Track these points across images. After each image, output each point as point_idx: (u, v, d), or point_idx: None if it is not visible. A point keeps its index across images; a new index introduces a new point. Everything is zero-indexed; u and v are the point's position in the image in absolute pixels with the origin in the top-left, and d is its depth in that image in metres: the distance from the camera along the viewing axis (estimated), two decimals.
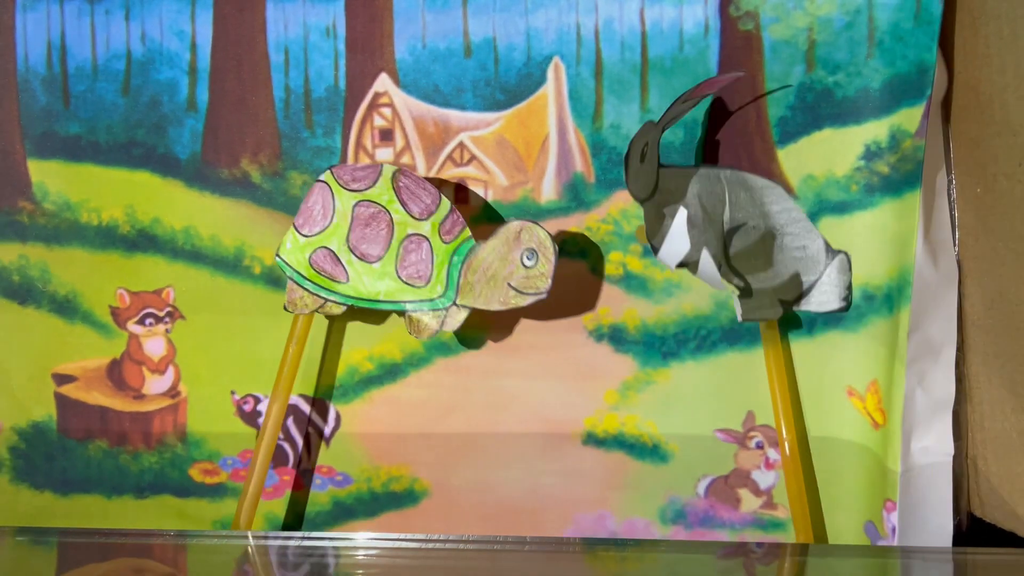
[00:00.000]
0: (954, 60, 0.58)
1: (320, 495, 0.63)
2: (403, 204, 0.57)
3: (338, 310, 0.58)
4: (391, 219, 0.57)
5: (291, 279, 0.58)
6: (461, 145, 0.60)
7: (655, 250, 0.57)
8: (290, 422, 0.63)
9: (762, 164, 0.59)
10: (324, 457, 0.63)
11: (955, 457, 0.58)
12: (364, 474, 0.63)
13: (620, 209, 0.60)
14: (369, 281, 0.57)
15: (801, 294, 0.58)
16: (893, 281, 0.57)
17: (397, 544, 0.54)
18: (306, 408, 0.63)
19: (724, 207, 0.57)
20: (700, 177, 0.57)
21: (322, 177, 0.57)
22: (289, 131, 0.61)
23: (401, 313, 0.58)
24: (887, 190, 0.57)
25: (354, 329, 0.62)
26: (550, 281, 0.56)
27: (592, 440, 0.62)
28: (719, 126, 0.59)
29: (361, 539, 0.54)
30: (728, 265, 0.57)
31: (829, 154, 0.58)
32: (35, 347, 0.63)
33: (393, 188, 0.57)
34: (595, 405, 0.62)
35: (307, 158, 0.61)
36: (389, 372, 0.62)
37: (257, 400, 0.63)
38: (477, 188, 0.61)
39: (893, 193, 0.57)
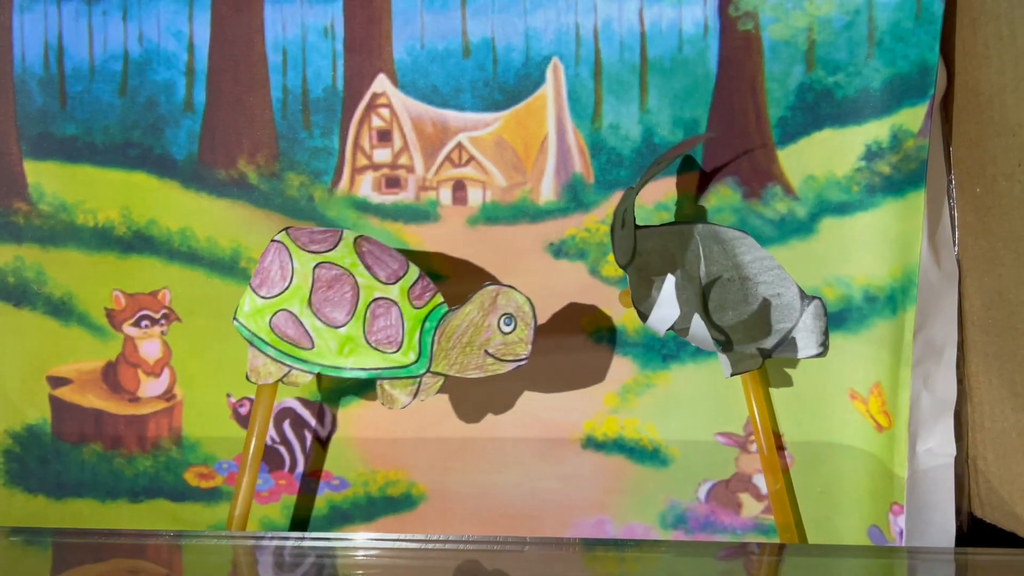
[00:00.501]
0: (954, 60, 0.58)
1: (317, 500, 0.63)
2: (368, 268, 0.55)
3: (304, 379, 0.56)
4: (355, 282, 0.55)
5: (251, 344, 0.56)
6: (459, 146, 0.60)
7: (643, 317, 0.57)
8: (286, 426, 0.62)
9: (762, 165, 0.59)
10: (320, 462, 0.63)
11: (955, 457, 0.57)
12: (361, 478, 0.63)
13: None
14: (336, 347, 0.55)
15: (779, 341, 0.57)
16: (896, 282, 0.57)
17: (396, 544, 0.53)
18: (303, 412, 0.62)
19: (700, 262, 0.57)
20: (676, 235, 0.57)
21: (277, 237, 0.55)
22: (286, 132, 0.61)
23: (371, 382, 0.56)
24: (889, 190, 0.57)
25: None
26: (530, 347, 0.55)
27: (591, 444, 0.62)
28: (719, 127, 0.59)
29: (360, 539, 0.54)
30: (708, 320, 0.57)
31: (829, 154, 0.58)
32: (30, 349, 0.63)
33: (356, 252, 0.55)
34: (594, 408, 0.62)
35: (304, 159, 0.61)
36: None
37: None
38: (475, 189, 0.60)
39: (895, 193, 0.57)
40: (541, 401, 0.62)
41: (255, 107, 0.61)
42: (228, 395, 0.62)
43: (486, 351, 0.55)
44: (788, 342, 0.57)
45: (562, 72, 0.59)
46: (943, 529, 0.57)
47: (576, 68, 0.59)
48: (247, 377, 0.56)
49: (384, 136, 0.61)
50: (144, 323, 0.62)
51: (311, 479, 0.63)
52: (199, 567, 0.53)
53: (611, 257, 0.60)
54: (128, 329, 0.62)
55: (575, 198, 0.60)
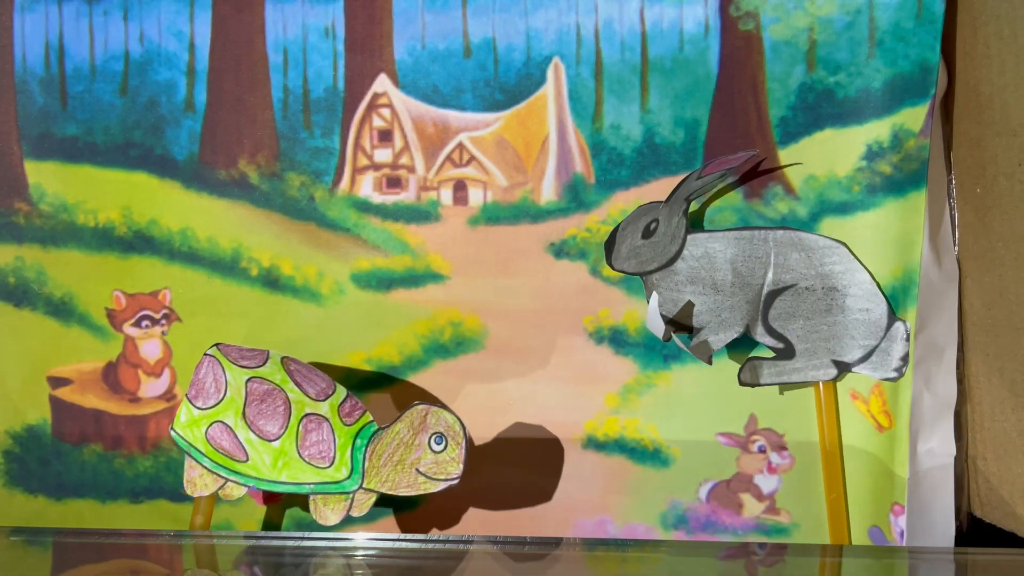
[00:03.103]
0: (954, 60, 0.58)
1: None
2: (298, 385, 0.55)
3: (239, 492, 0.56)
4: (287, 397, 0.55)
5: (188, 455, 0.56)
6: (460, 146, 0.60)
7: (676, 327, 0.58)
8: None
9: (763, 164, 0.59)
10: None
11: (955, 457, 0.57)
12: None
13: (620, 210, 0.60)
14: (270, 460, 0.55)
15: (862, 357, 0.58)
16: (897, 282, 0.57)
17: (397, 544, 0.53)
18: None
19: (766, 270, 0.57)
20: (740, 240, 0.57)
21: (209, 351, 0.56)
22: (287, 132, 0.61)
23: (304, 497, 0.56)
24: (890, 190, 0.57)
25: (352, 331, 0.62)
26: (461, 466, 0.54)
27: (592, 444, 0.62)
28: (721, 127, 0.59)
29: (360, 539, 0.54)
30: (766, 326, 0.57)
31: (831, 154, 0.58)
32: (30, 349, 0.63)
33: (285, 370, 0.56)
34: (595, 408, 0.61)
35: (305, 159, 0.61)
36: (387, 375, 0.62)
37: None
38: (476, 189, 0.60)
39: (896, 193, 0.57)
40: (542, 401, 0.62)
41: (256, 107, 0.61)
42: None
43: (417, 469, 0.54)
44: (867, 360, 0.58)
45: (563, 72, 0.59)
46: (943, 529, 0.57)
47: (577, 68, 0.59)
48: (183, 489, 0.56)
49: (385, 136, 0.61)
50: (145, 323, 0.62)
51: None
52: (200, 567, 0.53)
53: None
54: (129, 329, 0.62)
55: (576, 198, 0.60)
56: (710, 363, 0.58)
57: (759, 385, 0.59)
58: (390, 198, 0.61)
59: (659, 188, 0.59)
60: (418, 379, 0.62)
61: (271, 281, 0.61)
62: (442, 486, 0.54)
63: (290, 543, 0.54)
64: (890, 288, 0.57)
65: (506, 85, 0.60)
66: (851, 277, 0.57)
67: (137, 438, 0.63)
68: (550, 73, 0.60)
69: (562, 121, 0.60)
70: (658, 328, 0.57)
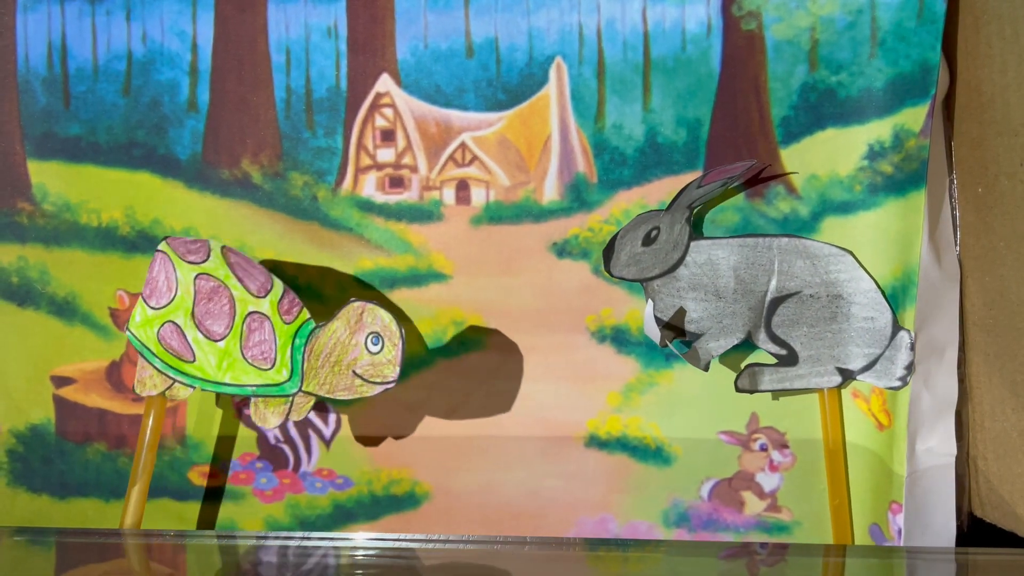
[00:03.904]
0: (956, 60, 0.58)
1: (321, 498, 0.63)
2: (240, 280, 0.55)
3: (185, 393, 0.56)
4: (231, 295, 0.55)
5: (141, 355, 0.56)
6: (463, 145, 0.60)
7: (679, 334, 0.59)
8: (291, 425, 0.63)
9: (764, 167, 0.59)
10: (324, 460, 0.63)
11: (956, 457, 0.58)
12: (365, 477, 0.63)
13: (623, 209, 0.60)
14: (215, 361, 0.55)
15: (866, 366, 0.58)
16: (897, 281, 0.57)
17: (397, 544, 0.53)
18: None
19: (770, 277, 0.57)
20: (744, 247, 0.57)
21: (160, 247, 0.56)
22: (290, 132, 0.61)
23: (246, 398, 0.56)
24: (891, 190, 0.57)
25: None
26: (398, 368, 0.54)
27: (595, 442, 0.62)
28: (723, 126, 0.59)
29: (361, 539, 0.54)
30: (769, 333, 0.58)
31: (832, 154, 0.58)
32: (34, 349, 0.63)
33: (227, 264, 0.56)
34: (598, 407, 0.62)
35: (308, 159, 0.61)
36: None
37: None
38: (479, 189, 0.60)
39: (897, 193, 0.57)
40: (545, 400, 0.62)
41: (259, 107, 0.61)
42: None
43: (354, 371, 0.54)
44: (871, 368, 0.58)
45: (565, 72, 0.60)
46: (943, 528, 0.57)
47: (579, 68, 0.59)
48: (133, 388, 0.57)
49: (388, 136, 0.61)
50: None
51: (316, 478, 0.63)
52: (202, 567, 0.53)
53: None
54: None
55: (578, 198, 0.60)
56: (706, 370, 0.58)
57: (757, 392, 0.59)
58: (393, 198, 0.61)
59: (661, 187, 0.59)
60: (421, 378, 0.62)
61: None
62: (378, 390, 0.54)
63: (293, 543, 0.54)
64: (890, 288, 0.57)
65: (508, 85, 0.60)
66: (856, 285, 0.57)
67: None
68: (552, 73, 0.60)
69: (564, 121, 0.60)
70: (655, 334, 0.58)
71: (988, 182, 0.55)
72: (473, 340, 0.62)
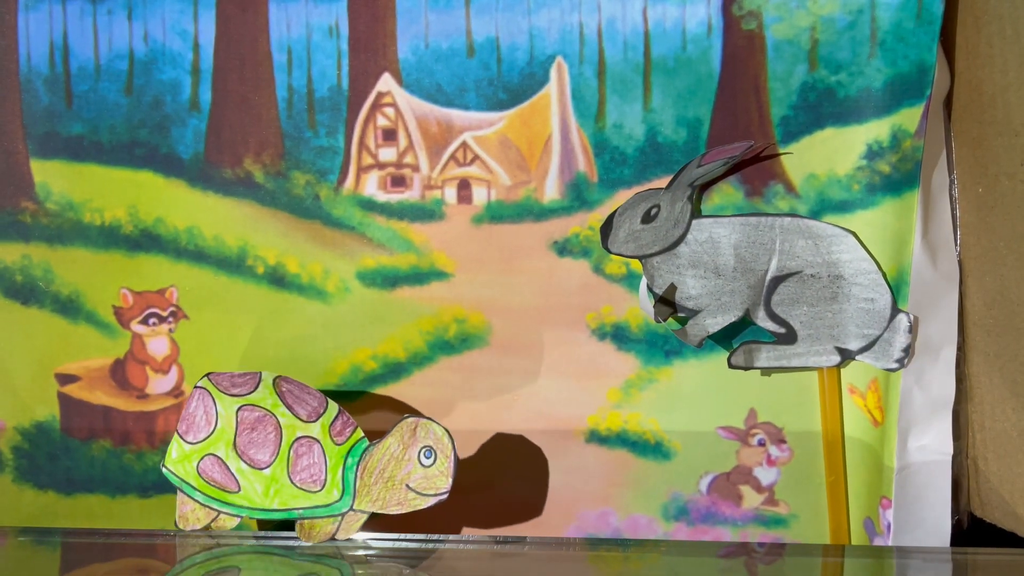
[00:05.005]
0: (956, 59, 0.58)
1: None
2: (289, 407, 0.55)
3: (231, 523, 0.56)
4: (278, 422, 0.55)
5: (180, 490, 0.56)
6: (464, 145, 0.60)
7: (675, 309, 0.59)
8: None
9: (764, 163, 0.59)
10: None
11: (955, 457, 0.58)
12: None
13: None
14: (261, 489, 0.55)
15: (865, 347, 0.58)
16: (892, 280, 0.57)
17: (397, 544, 0.54)
18: None
19: (771, 256, 0.57)
20: (746, 226, 0.58)
21: (200, 383, 0.56)
22: (292, 131, 0.61)
23: (294, 521, 0.56)
24: (888, 189, 0.57)
25: (358, 328, 0.62)
26: (451, 480, 0.54)
27: (595, 438, 0.62)
28: (723, 125, 0.59)
29: (361, 539, 0.54)
30: (768, 311, 0.58)
31: (831, 153, 0.58)
32: (38, 347, 0.63)
33: (276, 393, 0.56)
34: (598, 403, 0.62)
35: (310, 158, 0.61)
36: (393, 371, 0.62)
37: None
38: (480, 188, 0.61)
39: (893, 192, 0.57)
40: (546, 396, 0.62)
41: (261, 106, 0.61)
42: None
43: (407, 485, 0.54)
44: (869, 349, 0.58)
45: (566, 71, 0.60)
46: (936, 527, 0.58)
47: (580, 67, 0.59)
48: (175, 524, 0.56)
49: (389, 135, 0.61)
50: (152, 321, 0.63)
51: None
52: (203, 566, 0.54)
53: (615, 256, 0.60)
54: (136, 327, 0.63)
55: (579, 197, 0.60)
56: (699, 347, 0.59)
57: (752, 368, 0.59)
58: (395, 197, 0.61)
59: (661, 186, 0.59)
60: (424, 375, 0.62)
61: (277, 279, 0.62)
62: (432, 502, 0.54)
63: (292, 543, 0.54)
64: None
65: (509, 84, 0.60)
66: (857, 266, 0.57)
67: (146, 434, 0.63)
68: (553, 72, 0.60)
69: (565, 120, 0.60)
70: (649, 311, 0.58)
71: (988, 182, 0.56)
72: (475, 338, 0.62)
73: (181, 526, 0.56)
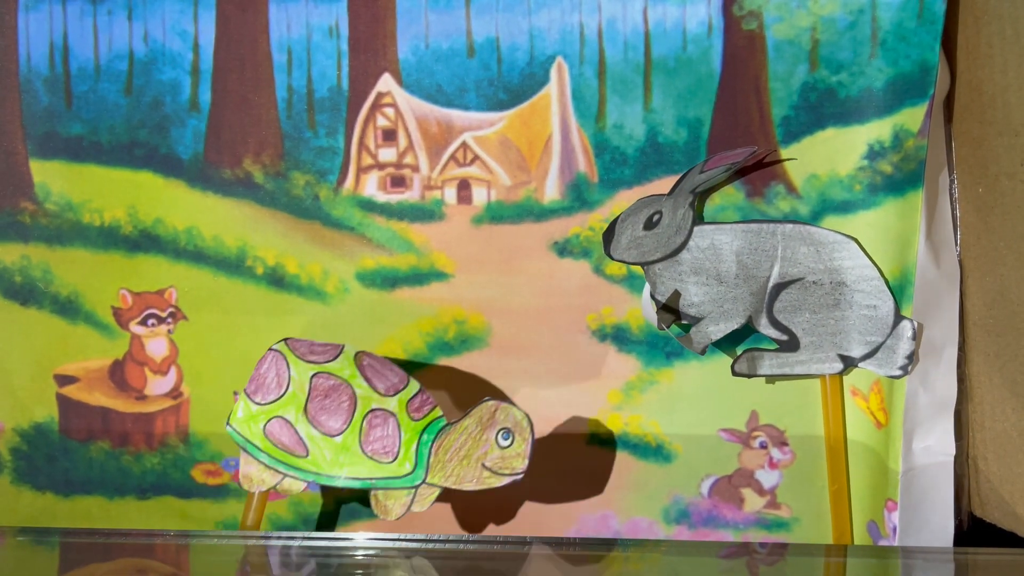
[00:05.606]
0: (956, 60, 0.58)
1: (324, 496, 0.63)
2: (367, 380, 0.55)
3: (298, 487, 0.56)
4: (353, 392, 0.55)
5: (244, 450, 0.56)
6: (464, 145, 0.60)
7: (677, 316, 0.59)
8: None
9: (766, 161, 0.59)
10: None
11: (956, 457, 0.58)
12: None
13: (623, 208, 0.60)
14: (331, 455, 0.55)
15: (867, 354, 0.58)
16: (896, 281, 0.57)
17: (397, 544, 0.54)
18: None
19: (773, 263, 0.57)
20: (748, 233, 0.57)
21: (275, 346, 0.56)
22: (292, 131, 0.61)
23: (366, 492, 0.56)
24: (890, 189, 0.57)
25: (357, 329, 0.62)
26: (527, 461, 0.55)
27: (596, 440, 0.62)
28: (723, 126, 0.59)
29: (361, 539, 0.54)
30: (771, 319, 0.58)
31: (832, 153, 0.58)
32: (37, 348, 0.63)
33: (356, 365, 0.56)
34: (598, 405, 0.62)
35: (310, 158, 0.61)
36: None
37: None
38: (480, 188, 0.61)
39: (896, 192, 0.57)
40: (546, 398, 0.62)
41: (260, 107, 0.61)
42: (235, 392, 0.63)
43: (483, 464, 0.55)
44: (872, 356, 0.58)
45: (566, 71, 0.60)
46: (940, 528, 0.58)
47: (580, 67, 0.59)
48: (238, 483, 0.56)
49: (389, 135, 0.61)
50: (151, 321, 0.63)
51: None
52: (205, 566, 0.53)
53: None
54: (135, 328, 0.63)
55: (579, 197, 0.60)
56: (703, 353, 0.59)
57: (755, 376, 0.59)
58: (394, 197, 0.61)
59: (662, 187, 0.59)
60: (422, 376, 0.62)
61: (276, 279, 0.62)
62: (506, 481, 0.55)
63: (292, 543, 0.54)
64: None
65: (509, 84, 0.60)
66: (860, 273, 0.57)
67: (144, 435, 0.63)
68: (553, 73, 0.60)
69: (565, 120, 0.60)
70: (651, 317, 0.58)
71: (988, 182, 0.55)
72: (474, 339, 0.62)
73: (245, 486, 0.56)
